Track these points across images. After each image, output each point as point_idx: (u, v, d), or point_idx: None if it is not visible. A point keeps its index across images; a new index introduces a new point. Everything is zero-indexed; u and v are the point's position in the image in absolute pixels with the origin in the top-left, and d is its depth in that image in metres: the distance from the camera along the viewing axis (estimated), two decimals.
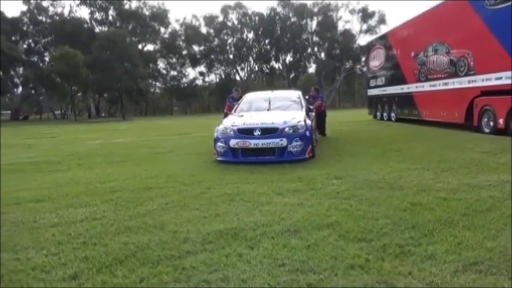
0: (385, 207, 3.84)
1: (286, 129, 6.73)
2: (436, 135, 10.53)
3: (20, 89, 52.25)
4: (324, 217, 3.55)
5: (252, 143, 6.61)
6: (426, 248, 2.78)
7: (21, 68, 49.41)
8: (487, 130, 10.39)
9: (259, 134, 6.68)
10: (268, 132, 6.70)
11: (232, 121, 7.27)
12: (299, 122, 6.98)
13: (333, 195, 4.36)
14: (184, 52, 60.55)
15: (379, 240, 2.97)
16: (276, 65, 62.91)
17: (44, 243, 3.19)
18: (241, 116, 7.67)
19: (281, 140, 6.60)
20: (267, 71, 63.61)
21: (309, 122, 7.28)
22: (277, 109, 7.97)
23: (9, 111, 57.03)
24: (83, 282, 2.49)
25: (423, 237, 3.00)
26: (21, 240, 3.28)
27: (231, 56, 62.33)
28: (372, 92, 19.85)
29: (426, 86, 13.97)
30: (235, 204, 4.12)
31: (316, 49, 61.72)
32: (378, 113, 19.07)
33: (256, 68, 64.45)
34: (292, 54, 61.64)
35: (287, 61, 61.97)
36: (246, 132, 6.78)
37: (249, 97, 9.16)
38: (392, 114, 17.38)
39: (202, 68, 63.32)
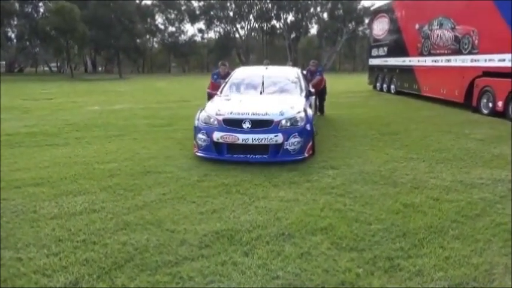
0: (378, 207, 3.93)
1: (283, 121, 5.52)
2: (434, 116, 10.52)
3: (15, 41, 51.05)
4: (318, 219, 3.64)
5: (241, 137, 5.42)
6: (415, 262, 2.88)
7: (15, 20, 48.05)
8: (485, 111, 10.40)
9: (250, 126, 5.48)
10: (261, 125, 5.49)
11: (217, 108, 5.90)
12: (298, 112, 5.76)
13: (328, 190, 4.44)
14: (183, 8, 58.88)
15: (370, 250, 3.07)
16: (277, 24, 61.46)
17: (45, 239, 3.26)
18: (228, 100, 6.45)
19: (276, 136, 5.41)
20: (268, 30, 62.20)
21: (310, 111, 6.15)
22: (272, 92, 6.77)
23: (3, 62, 56.11)
24: (88, 286, 2.59)
25: (413, 248, 3.10)
26: (23, 235, 3.35)
27: (231, 14, 60.73)
28: (373, 61, 19.57)
29: (428, 61, 13.79)
30: (232, 198, 4.20)
31: (318, 9, 60.13)
32: (378, 84, 18.91)
33: (257, 27, 62.97)
34: (294, 13, 60.04)
35: (288, 21, 60.48)
36: (233, 124, 5.54)
37: (239, 74, 7.63)
38: (392, 86, 17.26)
39: (201, 25, 61.97)
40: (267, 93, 6.72)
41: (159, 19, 58.53)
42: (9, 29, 47.70)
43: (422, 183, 4.70)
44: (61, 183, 4.78)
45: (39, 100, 15.62)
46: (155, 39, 60.48)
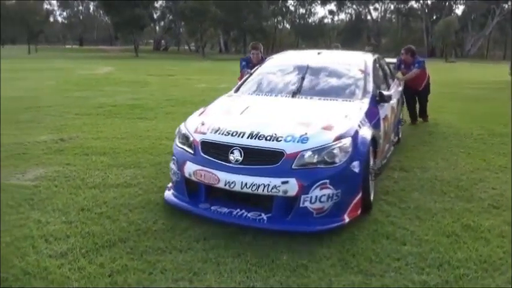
0: (428, 225, 3.22)
1: (305, 155, 3.03)
2: None
3: (162, 23, 57.08)
4: (343, 228, 3.13)
5: (223, 178, 3.08)
6: None
7: (163, 1, 53.42)
8: None
9: (240, 160, 3.09)
10: (260, 158, 3.08)
11: (201, 120, 3.57)
12: (339, 138, 3.14)
13: (379, 196, 3.80)
14: None
15: (381, 277, 2.51)
16: (416, 5, 56.29)
17: (71, 207, 3.46)
18: (235, 104, 3.97)
19: (285, 182, 2.95)
20: (405, 11, 57.48)
21: (366, 133, 3.40)
22: (313, 94, 4.08)
23: (151, 41, 63.40)
24: (71, 260, 2.65)
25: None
26: (58, 200, 3.61)
27: None
28: None
29: None
30: None
31: None
32: None
33: (392, 8, 58.75)
34: None
35: (429, 1, 54.88)
36: (214, 152, 3.23)
37: (273, 63, 4.99)
38: None
39: (332, 6, 60.31)
40: (305, 95, 4.07)
41: (290, 1, 58.85)
42: (152, 10, 53.10)
43: (507, 202, 3.72)
44: (123, 154, 5.07)
45: (161, 76, 17.08)
46: (284, 20, 61.09)
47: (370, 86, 4.18)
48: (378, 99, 4.12)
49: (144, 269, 2.56)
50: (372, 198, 3.49)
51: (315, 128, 3.24)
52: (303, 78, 4.30)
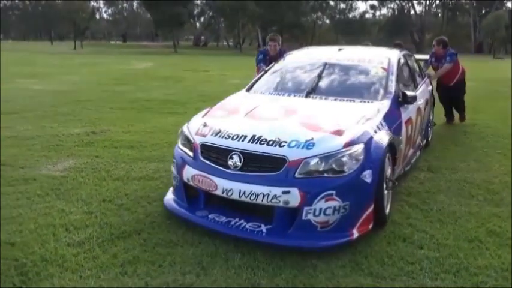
0: (450, 229, 3.08)
1: (311, 162, 2.76)
2: None
3: (202, 19, 57.94)
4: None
5: (220, 185, 2.88)
6: None
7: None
8: None
9: (240, 165, 2.85)
10: (260, 165, 2.84)
11: (204, 121, 3.35)
12: (350, 144, 2.84)
13: (400, 196, 3.68)
14: None
15: (392, 281, 2.43)
16: None
17: (94, 198, 3.57)
18: (244, 103, 3.71)
19: (286, 192, 2.70)
20: (451, 5, 55.11)
21: (382, 139, 3.07)
22: (329, 94, 3.73)
23: (192, 37, 64.53)
24: (86, 249, 2.75)
25: None
26: (83, 190, 3.76)
27: None
28: None
29: None
30: None
31: None
32: None
33: (437, 2, 56.49)
34: None
35: None
36: (213, 156, 3.02)
37: (291, 59, 4.64)
38: None
39: (374, 1, 58.86)
40: (320, 94, 3.74)
41: None
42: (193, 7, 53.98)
43: None
44: (149, 148, 5.20)
45: (197, 71, 17.33)
46: (324, 16, 60.22)
47: (393, 86, 3.76)
48: (401, 101, 3.71)
49: (154, 261, 2.61)
50: (387, 211, 3.15)
51: (324, 132, 2.94)
52: (319, 77, 3.95)
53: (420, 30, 55.82)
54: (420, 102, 4.43)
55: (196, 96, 9.85)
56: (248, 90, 4.23)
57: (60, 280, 2.40)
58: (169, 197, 3.38)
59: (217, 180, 2.88)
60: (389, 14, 58.95)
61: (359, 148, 2.83)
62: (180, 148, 3.34)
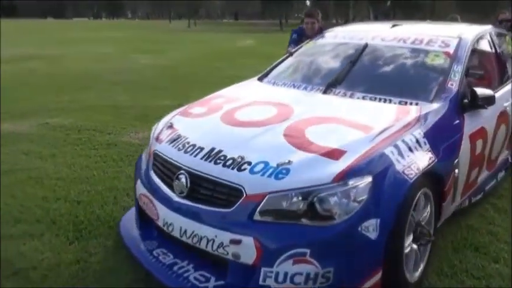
0: None
1: (278, 200, 1.78)
2: None
3: None
4: None
5: (161, 214, 2.06)
6: None
7: None
8: None
9: (185, 191, 1.97)
10: (208, 193, 1.93)
11: (174, 120, 2.55)
12: (349, 170, 1.80)
13: (489, 199, 3.14)
14: None
15: None
16: None
17: (107, 185, 3.34)
18: (228, 100, 2.63)
19: (235, 242, 1.77)
20: None
21: (411, 167, 1.93)
22: (357, 89, 2.59)
23: (301, 15, 64.29)
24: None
25: None
26: (106, 180, 3.46)
27: None
28: None
29: None
30: None
31: None
32: None
33: None
34: None
35: None
36: (163, 172, 2.18)
37: (325, 40, 3.45)
38: None
39: None
40: (344, 89, 2.62)
41: None
42: None
43: None
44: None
45: None
46: None
47: (456, 81, 2.51)
48: (467, 103, 2.49)
49: None
50: (417, 274, 2.07)
51: (310, 151, 1.90)
52: (352, 64, 2.80)
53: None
54: (507, 104, 3.10)
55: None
56: (261, 78, 3.21)
57: (105, 240, 2.54)
58: (127, 217, 2.62)
59: (160, 208, 2.06)
60: None
61: (363, 182, 1.78)
62: (144, 152, 2.58)
